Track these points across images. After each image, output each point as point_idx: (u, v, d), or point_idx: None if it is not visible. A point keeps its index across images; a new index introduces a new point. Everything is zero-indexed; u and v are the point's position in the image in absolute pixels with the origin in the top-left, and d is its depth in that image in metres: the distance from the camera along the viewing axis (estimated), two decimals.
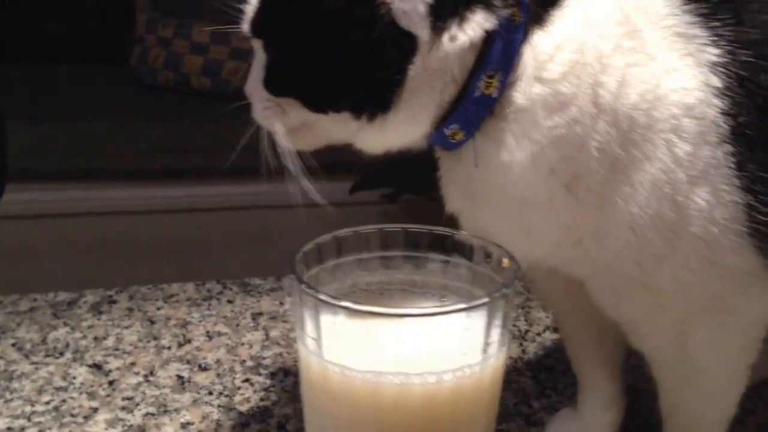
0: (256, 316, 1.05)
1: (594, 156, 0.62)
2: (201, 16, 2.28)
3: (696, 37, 0.63)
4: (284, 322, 1.04)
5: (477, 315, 0.57)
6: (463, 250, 0.65)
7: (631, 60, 0.62)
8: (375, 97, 0.63)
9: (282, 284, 1.13)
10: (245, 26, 0.68)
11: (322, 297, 0.57)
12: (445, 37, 0.61)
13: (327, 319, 0.58)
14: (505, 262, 0.61)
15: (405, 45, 0.61)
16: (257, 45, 0.68)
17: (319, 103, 0.65)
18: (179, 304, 1.08)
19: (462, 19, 0.61)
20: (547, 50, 0.62)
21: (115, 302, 1.08)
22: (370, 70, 0.62)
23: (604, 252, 0.66)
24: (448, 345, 0.58)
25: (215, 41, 2.24)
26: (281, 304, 1.08)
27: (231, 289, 1.12)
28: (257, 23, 0.67)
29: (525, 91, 0.62)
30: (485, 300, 0.56)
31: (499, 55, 0.62)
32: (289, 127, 0.67)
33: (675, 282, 0.66)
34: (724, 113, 0.62)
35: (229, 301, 1.09)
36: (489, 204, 0.67)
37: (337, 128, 0.66)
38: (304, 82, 0.65)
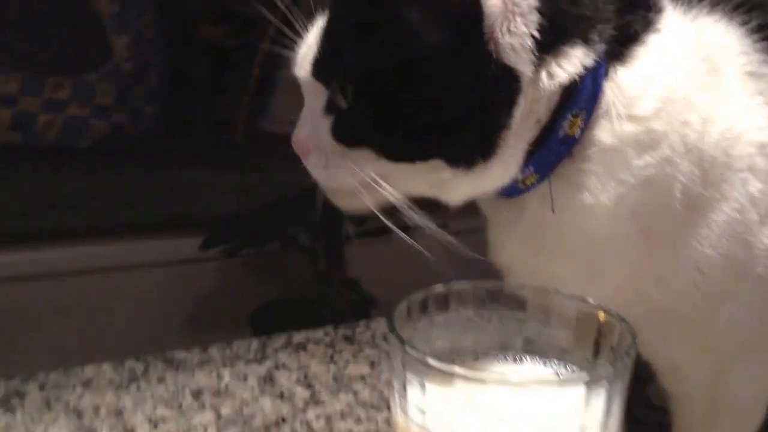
0: (196, 394, 0.93)
1: (677, 197, 0.60)
2: (7, 63, 2.10)
3: (765, 76, 0.63)
4: (230, 397, 0.92)
5: (599, 385, 0.51)
6: (561, 310, 0.59)
7: (713, 98, 0.61)
8: (479, 143, 0.57)
9: (211, 355, 1.01)
10: (301, 70, 0.60)
11: (432, 362, 0.50)
12: (543, 74, 0.57)
13: (432, 386, 0.51)
14: (616, 326, 0.56)
15: (513, 84, 0.56)
16: (314, 89, 0.60)
17: (408, 153, 0.58)
18: (103, 389, 0.93)
19: (559, 55, 0.57)
20: (636, 87, 0.59)
21: (23, 395, 0.92)
22: (475, 113, 0.56)
23: (664, 295, 0.64)
24: (564, 418, 0.52)
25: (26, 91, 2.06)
26: (219, 377, 0.97)
27: (156, 367, 0.99)
28: (325, 65, 0.58)
29: (614, 129, 0.59)
30: (610, 370, 0.51)
31: (587, 92, 0.58)
32: (359, 182, 0.59)
33: (731, 323, 0.64)
34: None
35: (160, 380, 0.96)
36: (556, 251, 0.63)
37: (421, 179, 0.59)
38: (391, 130, 0.57)
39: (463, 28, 0.55)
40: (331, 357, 0.99)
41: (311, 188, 2.17)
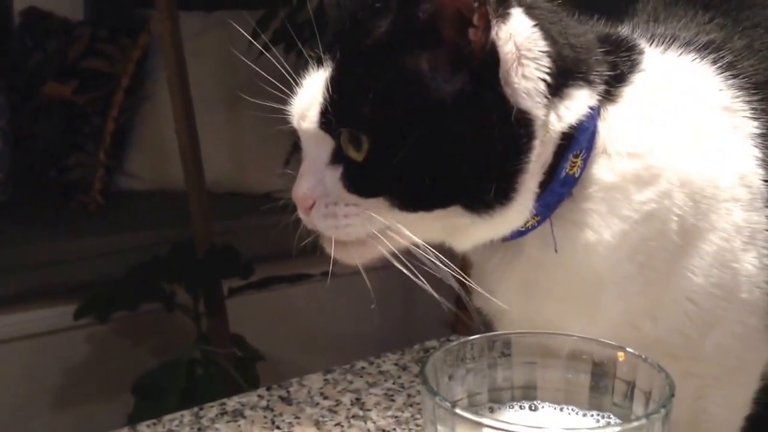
0: None
1: (673, 229, 0.62)
2: None
3: (740, 110, 0.66)
4: None
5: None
6: (573, 353, 0.58)
7: (698, 133, 0.64)
8: (498, 188, 0.56)
9: None
10: (302, 121, 0.57)
11: (462, 413, 0.48)
12: (553, 117, 0.57)
13: None
14: (650, 372, 0.55)
15: (529, 128, 0.56)
16: (319, 140, 0.57)
17: (427, 201, 0.56)
18: None
19: (567, 97, 0.57)
20: (630, 125, 0.61)
21: None
22: (493, 158, 0.55)
23: (656, 326, 0.65)
24: None
25: None
26: None
27: None
28: (334, 115, 0.56)
29: (614, 167, 0.60)
30: (644, 420, 0.50)
31: (588, 133, 0.59)
32: (376, 230, 0.56)
33: (717, 348, 0.66)
34: (765, 181, 0.65)
35: None
36: (554, 291, 0.63)
37: (436, 225, 0.58)
38: (409, 178, 0.55)
39: (479, 75, 0.55)
40: (272, 421, 0.94)
41: (184, 243, 2.11)
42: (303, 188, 0.60)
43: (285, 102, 0.62)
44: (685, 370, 0.67)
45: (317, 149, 0.59)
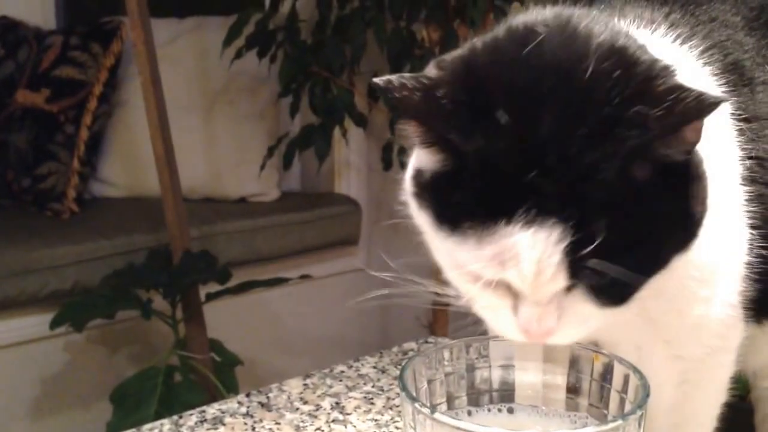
0: None
1: None
2: None
3: None
4: None
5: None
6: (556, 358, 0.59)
7: None
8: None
9: None
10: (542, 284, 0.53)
11: (441, 418, 0.49)
12: None
13: None
14: (625, 373, 0.56)
15: None
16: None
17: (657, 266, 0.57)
18: None
19: None
20: None
21: None
22: None
23: (656, 305, 0.65)
24: None
25: None
26: None
27: None
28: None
29: None
30: (621, 420, 0.51)
31: None
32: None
33: (701, 327, 0.68)
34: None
35: None
36: None
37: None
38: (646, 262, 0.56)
39: None
40: (253, 428, 0.95)
41: (160, 250, 2.09)
42: (545, 328, 0.54)
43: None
44: (675, 354, 0.69)
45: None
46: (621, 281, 0.53)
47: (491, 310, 0.56)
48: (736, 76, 0.69)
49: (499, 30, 0.59)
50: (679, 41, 0.67)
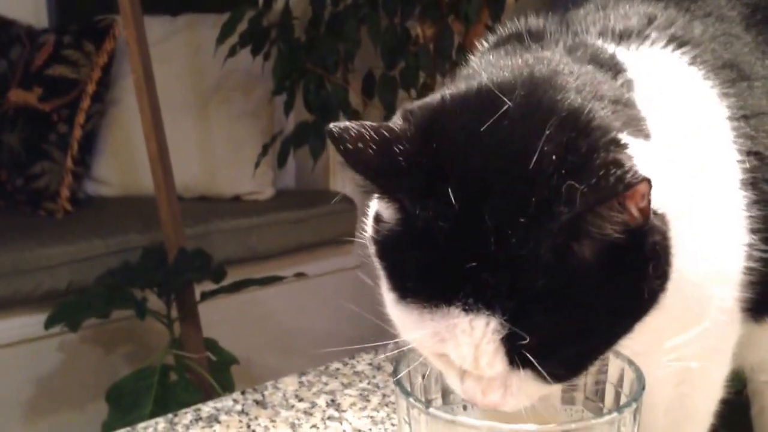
0: None
1: None
2: None
3: None
4: None
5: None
6: None
7: None
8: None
9: None
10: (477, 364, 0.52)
11: (436, 413, 0.49)
12: None
13: None
14: (620, 367, 0.56)
15: None
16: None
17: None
18: None
19: None
20: None
21: None
22: None
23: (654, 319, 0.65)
24: None
25: None
26: None
27: None
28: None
29: None
30: (616, 413, 0.51)
31: None
32: None
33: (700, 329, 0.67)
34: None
35: None
36: None
37: None
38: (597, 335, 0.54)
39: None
40: (248, 425, 0.94)
41: (154, 249, 2.09)
42: (493, 402, 0.54)
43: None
44: (672, 358, 0.68)
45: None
46: (569, 361, 0.53)
47: (443, 371, 0.56)
48: (734, 72, 0.69)
49: (473, 84, 0.57)
50: (670, 47, 0.67)
